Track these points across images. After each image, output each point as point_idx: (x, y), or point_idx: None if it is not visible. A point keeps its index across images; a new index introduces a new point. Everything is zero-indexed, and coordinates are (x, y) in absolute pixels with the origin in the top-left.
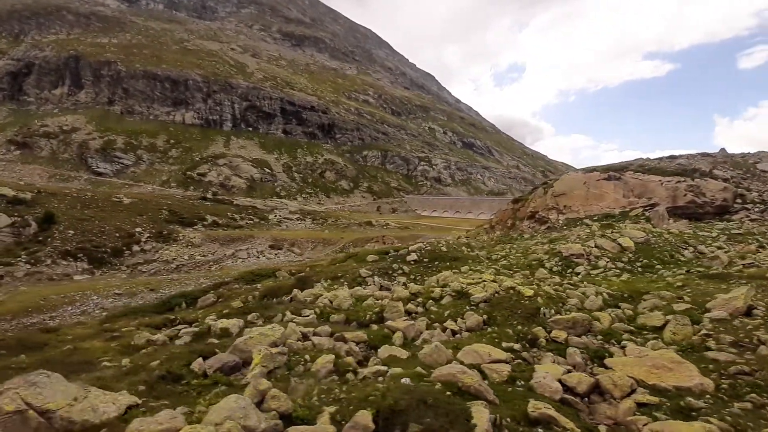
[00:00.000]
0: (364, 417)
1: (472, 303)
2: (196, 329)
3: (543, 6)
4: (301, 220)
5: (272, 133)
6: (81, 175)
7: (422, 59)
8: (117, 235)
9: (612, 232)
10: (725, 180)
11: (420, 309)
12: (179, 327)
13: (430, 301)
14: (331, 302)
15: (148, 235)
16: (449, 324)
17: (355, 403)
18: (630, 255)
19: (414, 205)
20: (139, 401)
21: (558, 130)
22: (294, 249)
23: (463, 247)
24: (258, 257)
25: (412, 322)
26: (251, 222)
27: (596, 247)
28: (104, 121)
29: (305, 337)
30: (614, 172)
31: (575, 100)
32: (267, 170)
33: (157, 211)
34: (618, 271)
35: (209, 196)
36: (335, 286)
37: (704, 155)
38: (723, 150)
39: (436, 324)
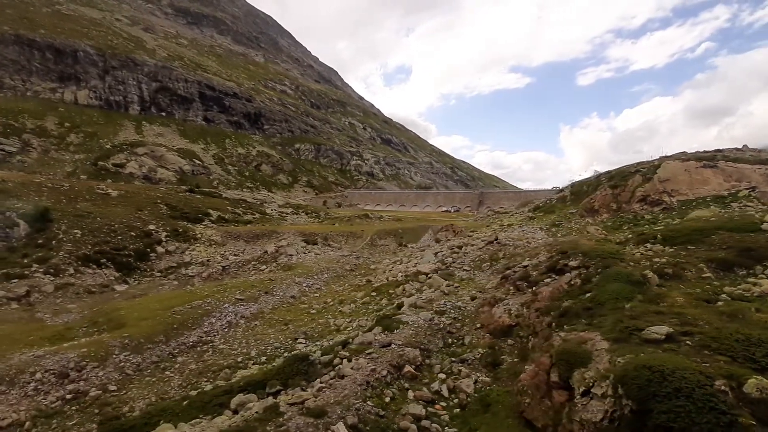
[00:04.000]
0: None
1: None
2: None
3: (428, 14)
4: (295, 214)
5: (191, 120)
6: None
7: (315, 53)
8: (132, 234)
9: None
10: None
11: None
12: None
13: None
14: None
15: (166, 233)
16: None
17: None
18: None
19: (355, 200)
20: None
21: (441, 131)
22: (331, 243)
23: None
24: (306, 253)
25: None
26: (254, 217)
27: None
28: None
29: None
30: (706, 161)
31: (455, 104)
32: (197, 162)
33: (155, 206)
34: None
35: (195, 188)
36: None
37: (739, 150)
38: (745, 146)
39: None
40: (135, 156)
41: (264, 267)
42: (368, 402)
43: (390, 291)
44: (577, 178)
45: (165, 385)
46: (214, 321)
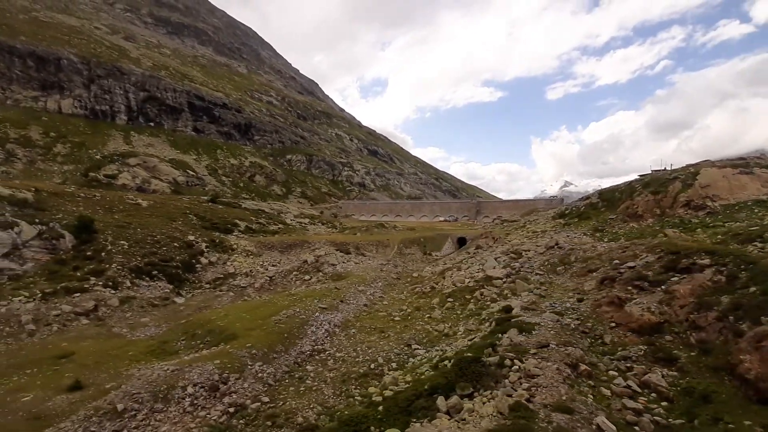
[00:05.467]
0: None
1: None
2: None
3: (404, 29)
4: (312, 224)
5: (180, 130)
6: None
7: (293, 65)
8: (175, 245)
9: None
10: None
11: None
12: None
13: None
14: None
15: (205, 244)
16: None
17: None
18: None
19: (350, 210)
20: None
21: (417, 143)
22: (365, 252)
23: None
24: (345, 263)
25: None
26: (279, 227)
27: None
28: None
29: None
30: (741, 168)
31: (430, 116)
32: (191, 173)
33: (185, 216)
34: None
35: (216, 199)
36: None
37: (759, 158)
38: (763, 154)
39: None
40: (127, 167)
41: (308, 277)
42: (587, 398)
43: (467, 296)
44: (548, 189)
45: (319, 394)
46: (315, 329)
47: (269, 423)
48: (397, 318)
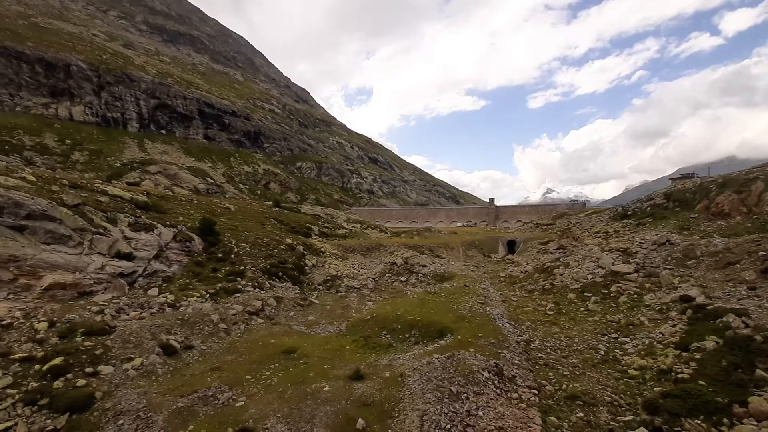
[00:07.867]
0: None
1: None
2: None
3: (387, 38)
4: (365, 229)
5: (192, 137)
6: None
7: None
8: (281, 248)
9: None
10: None
11: None
12: None
13: None
14: None
15: (302, 247)
16: None
17: None
18: None
19: (363, 217)
20: None
21: (402, 150)
22: (439, 254)
23: None
24: (432, 264)
25: None
26: (345, 231)
27: None
28: None
29: None
30: None
31: (415, 125)
32: (210, 180)
33: (267, 220)
34: None
35: (279, 205)
36: None
37: None
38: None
39: None
40: (148, 174)
41: (403, 278)
42: None
43: (603, 291)
44: (531, 196)
45: (588, 378)
46: (501, 323)
47: (579, 403)
48: (549, 312)
